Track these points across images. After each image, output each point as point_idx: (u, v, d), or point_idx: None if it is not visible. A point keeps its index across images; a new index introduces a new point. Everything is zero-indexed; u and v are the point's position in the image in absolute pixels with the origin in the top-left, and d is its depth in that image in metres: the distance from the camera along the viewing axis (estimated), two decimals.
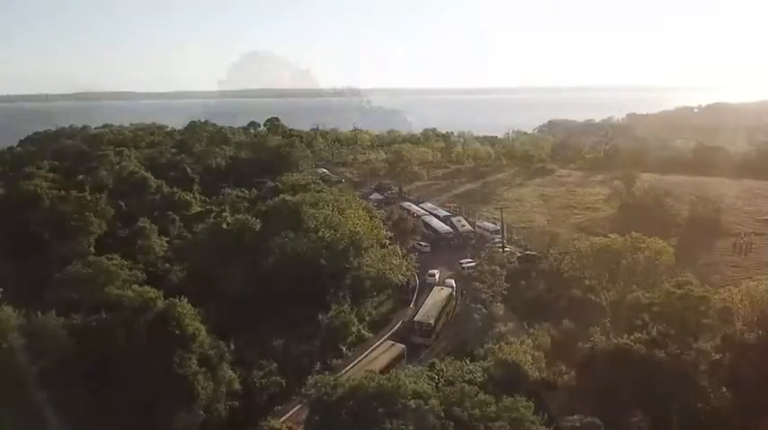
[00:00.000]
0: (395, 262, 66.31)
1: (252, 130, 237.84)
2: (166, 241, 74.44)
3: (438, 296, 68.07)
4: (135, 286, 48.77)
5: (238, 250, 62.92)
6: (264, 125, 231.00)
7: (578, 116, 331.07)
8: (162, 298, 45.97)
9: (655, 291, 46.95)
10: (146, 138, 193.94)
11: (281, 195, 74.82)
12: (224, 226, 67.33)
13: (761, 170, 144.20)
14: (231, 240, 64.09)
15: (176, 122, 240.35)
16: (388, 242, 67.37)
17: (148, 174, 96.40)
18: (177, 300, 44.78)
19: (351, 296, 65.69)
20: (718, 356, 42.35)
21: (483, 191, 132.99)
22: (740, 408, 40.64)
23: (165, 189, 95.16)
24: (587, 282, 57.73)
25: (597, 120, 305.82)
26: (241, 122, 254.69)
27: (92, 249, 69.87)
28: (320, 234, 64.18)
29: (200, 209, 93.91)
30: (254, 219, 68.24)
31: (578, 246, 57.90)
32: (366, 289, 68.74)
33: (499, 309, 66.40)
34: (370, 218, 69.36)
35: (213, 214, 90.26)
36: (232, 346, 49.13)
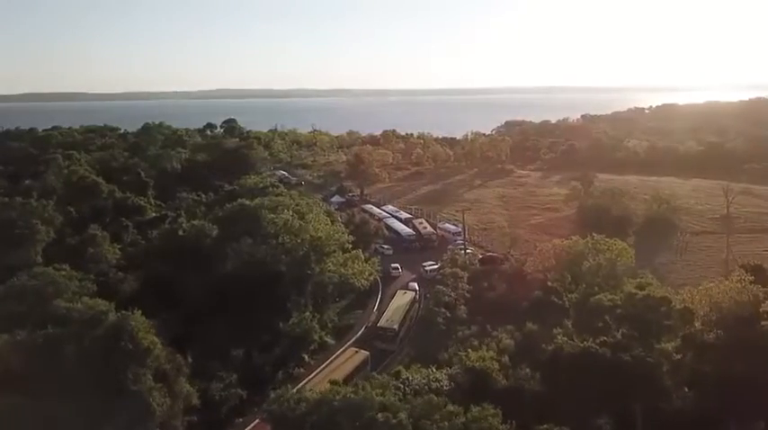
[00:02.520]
0: (357, 266, 65.17)
1: (208, 132, 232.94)
2: (119, 248, 71.41)
3: (401, 300, 67.33)
4: (85, 298, 46.09)
5: (195, 257, 60.73)
6: (221, 127, 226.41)
7: (534, 117, 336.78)
8: (114, 310, 43.60)
9: (617, 293, 47.16)
10: (97, 141, 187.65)
11: (239, 200, 72.68)
12: (180, 232, 65.07)
13: (709, 169, 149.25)
14: (187, 247, 61.86)
15: (130, 124, 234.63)
16: (350, 247, 66.10)
17: (99, 179, 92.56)
18: (130, 313, 42.52)
19: (313, 302, 64.33)
20: (679, 357, 42.83)
21: (443, 192, 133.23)
22: (701, 407, 41.19)
23: (118, 194, 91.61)
24: (549, 283, 57.85)
25: (553, 121, 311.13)
26: (198, 123, 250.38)
27: (39, 259, 66.36)
28: (280, 239, 62.49)
29: (154, 214, 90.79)
30: (210, 224, 66.09)
31: (540, 248, 58.08)
32: (328, 294, 67.50)
33: (462, 311, 66.25)
34: (332, 222, 68.04)
35: (169, 220, 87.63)
36: (190, 359, 47.20)
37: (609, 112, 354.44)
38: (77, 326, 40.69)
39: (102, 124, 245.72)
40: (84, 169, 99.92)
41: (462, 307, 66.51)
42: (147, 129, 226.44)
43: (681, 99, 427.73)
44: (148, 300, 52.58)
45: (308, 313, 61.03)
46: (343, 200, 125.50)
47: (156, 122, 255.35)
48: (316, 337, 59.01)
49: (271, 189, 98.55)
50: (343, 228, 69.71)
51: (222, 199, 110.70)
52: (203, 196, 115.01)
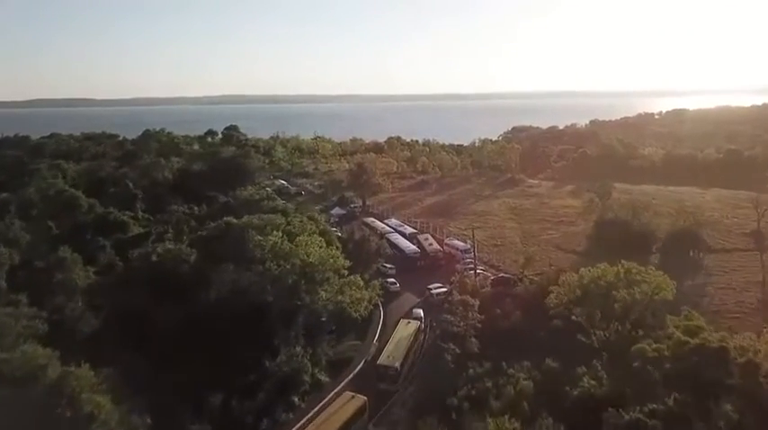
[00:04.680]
0: (355, 294, 57.87)
1: (209, 139, 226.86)
2: (94, 272, 64.42)
3: (404, 331, 60.02)
4: (26, 346, 39.00)
5: (170, 286, 53.76)
6: (222, 133, 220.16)
7: (540, 122, 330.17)
8: (60, 359, 36.60)
9: (661, 340, 39.87)
10: (92, 149, 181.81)
11: (225, 218, 65.76)
12: (154, 257, 58.14)
13: (729, 178, 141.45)
14: (162, 274, 54.93)
15: (133, 131, 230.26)
16: (346, 273, 58.71)
17: (79, 193, 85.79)
18: (74, 368, 35.39)
19: (305, 334, 57.10)
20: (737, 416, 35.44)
21: (450, 203, 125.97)
22: None
23: (99, 209, 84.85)
24: (574, 317, 50.43)
25: (560, 126, 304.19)
26: (202, 130, 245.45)
27: (2, 283, 59.54)
28: (267, 265, 55.35)
29: (138, 231, 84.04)
30: (188, 248, 59.14)
31: (563, 277, 50.44)
32: (322, 324, 60.29)
33: (473, 345, 59.03)
34: (327, 243, 60.89)
35: (153, 237, 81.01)
36: (156, 412, 40.14)
37: (616, 118, 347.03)
38: (7, 386, 33.58)
39: (105, 130, 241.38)
40: (64, 181, 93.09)
41: (473, 339, 59.23)
42: (147, 136, 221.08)
43: (689, 104, 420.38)
44: (113, 338, 45.78)
45: (298, 348, 53.83)
46: (344, 212, 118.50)
47: (157, 129, 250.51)
48: (306, 378, 51.73)
49: (265, 203, 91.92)
50: (340, 251, 62.23)
51: (215, 212, 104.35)
52: (196, 209, 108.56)
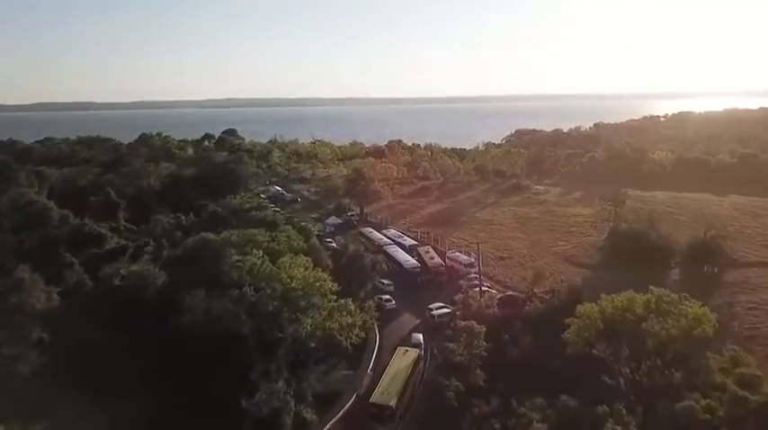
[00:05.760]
0: (345, 319, 51.32)
1: (207, 143, 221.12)
2: (59, 292, 57.88)
3: (401, 362, 53.42)
4: None
5: (136, 313, 47.34)
6: (216, 138, 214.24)
7: (544, 125, 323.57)
8: None
9: (709, 390, 33.37)
10: (82, 154, 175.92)
11: (203, 234, 59.33)
12: (116, 281, 51.69)
13: (746, 183, 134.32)
14: (127, 300, 48.52)
15: (134, 134, 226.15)
16: (334, 298, 51.89)
17: (51, 203, 79.37)
18: None
19: (289, 365, 50.56)
20: None
21: (453, 211, 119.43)
22: None
23: (74, 220, 78.49)
24: (594, 351, 43.76)
25: (565, 129, 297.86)
26: (202, 133, 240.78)
27: None
28: (244, 290, 48.76)
29: (117, 244, 77.69)
30: (156, 270, 52.69)
31: (583, 311, 43.31)
32: (310, 352, 53.70)
33: (479, 377, 52.50)
34: (316, 262, 54.30)
35: (130, 250, 74.68)
36: None
37: (621, 120, 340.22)
38: None
39: (104, 134, 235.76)
40: (40, 189, 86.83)
41: (478, 371, 52.72)
42: (144, 139, 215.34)
43: (693, 106, 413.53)
44: (62, 377, 39.28)
45: (280, 383, 47.31)
46: (340, 221, 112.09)
47: (154, 133, 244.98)
48: (289, 420, 45.23)
49: (253, 213, 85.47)
50: (329, 272, 55.51)
51: (202, 222, 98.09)
52: (183, 218, 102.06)
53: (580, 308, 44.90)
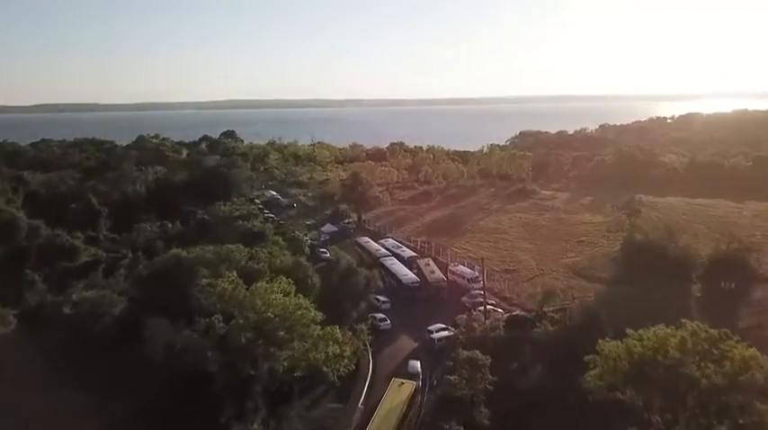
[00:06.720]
0: (332, 349, 45.10)
1: (203, 145, 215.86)
2: (14, 315, 52.06)
3: (396, 397, 47.25)
4: None
5: (89, 346, 41.36)
6: (210, 140, 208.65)
7: (549, 127, 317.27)
8: None
9: None
10: (74, 157, 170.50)
11: (173, 251, 53.32)
12: (67, 310, 45.66)
13: (763, 189, 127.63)
14: (78, 330, 42.53)
15: (134, 136, 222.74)
16: (319, 328, 45.44)
17: (20, 213, 73.60)
18: None
19: (267, 402, 44.41)
20: None
21: (455, 218, 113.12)
22: None
23: (45, 231, 72.69)
24: (620, 395, 37.38)
25: (570, 131, 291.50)
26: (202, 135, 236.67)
27: None
28: (213, 319, 42.51)
29: (91, 257, 71.86)
30: (115, 296, 46.72)
31: (606, 351, 36.56)
32: (292, 382, 47.39)
33: (483, 416, 46.33)
34: (301, 283, 47.95)
35: (103, 265, 68.86)
36: None
37: (626, 122, 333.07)
38: None
39: (106, 135, 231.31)
40: (15, 197, 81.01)
41: (483, 409, 46.54)
42: (141, 141, 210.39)
43: (701, 108, 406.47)
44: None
45: (256, 425, 41.20)
46: (336, 229, 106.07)
47: (151, 134, 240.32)
48: None
49: (241, 223, 79.46)
50: (315, 294, 49.44)
51: (191, 229, 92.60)
52: (170, 226, 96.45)
53: (602, 345, 38.54)
